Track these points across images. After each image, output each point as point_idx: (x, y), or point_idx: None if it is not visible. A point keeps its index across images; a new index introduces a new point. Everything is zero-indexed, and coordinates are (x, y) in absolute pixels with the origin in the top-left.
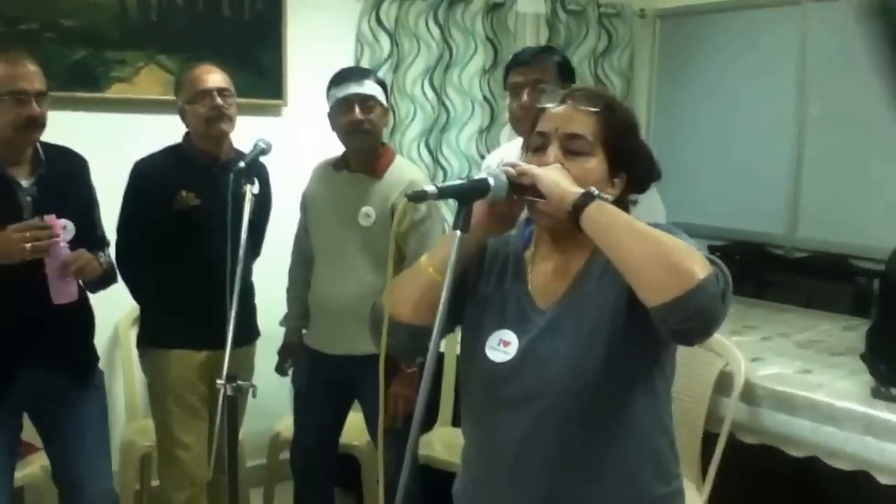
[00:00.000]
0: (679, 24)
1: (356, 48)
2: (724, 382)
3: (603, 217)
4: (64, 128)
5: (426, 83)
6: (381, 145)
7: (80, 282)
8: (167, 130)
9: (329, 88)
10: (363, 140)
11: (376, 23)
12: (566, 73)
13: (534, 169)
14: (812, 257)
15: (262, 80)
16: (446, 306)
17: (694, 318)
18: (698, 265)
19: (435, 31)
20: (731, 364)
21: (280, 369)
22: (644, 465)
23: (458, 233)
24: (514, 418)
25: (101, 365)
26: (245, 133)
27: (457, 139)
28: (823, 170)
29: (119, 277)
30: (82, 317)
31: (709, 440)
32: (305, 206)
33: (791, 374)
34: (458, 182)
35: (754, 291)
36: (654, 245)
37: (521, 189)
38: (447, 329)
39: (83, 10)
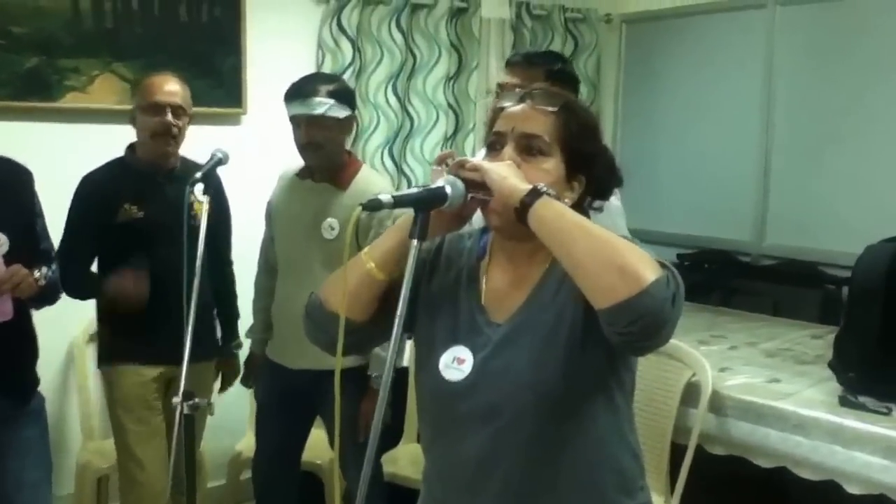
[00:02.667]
0: (645, 29)
1: (317, 54)
2: (691, 393)
3: (550, 213)
4: (16, 138)
5: (389, 90)
6: (345, 155)
7: (22, 299)
8: (124, 141)
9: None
10: (314, 158)
11: (338, 28)
12: (564, 80)
13: (483, 164)
14: (780, 264)
15: (221, 87)
16: (402, 318)
17: (640, 323)
18: (647, 268)
19: (398, 37)
20: (698, 374)
21: (245, 381)
22: (607, 479)
23: (415, 242)
24: (472, 436)
25: (55, 384)
26: (203, 142)
27: (421, 147)
28: (791, 176)
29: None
30: (18, 337)
31: (677, 451)
32: (270, 214)
33: (759, 384)
34: (416, 190)
35: (722, 299)
36: (603, 245)
37: (472, 186)
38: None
39: (34, 16)
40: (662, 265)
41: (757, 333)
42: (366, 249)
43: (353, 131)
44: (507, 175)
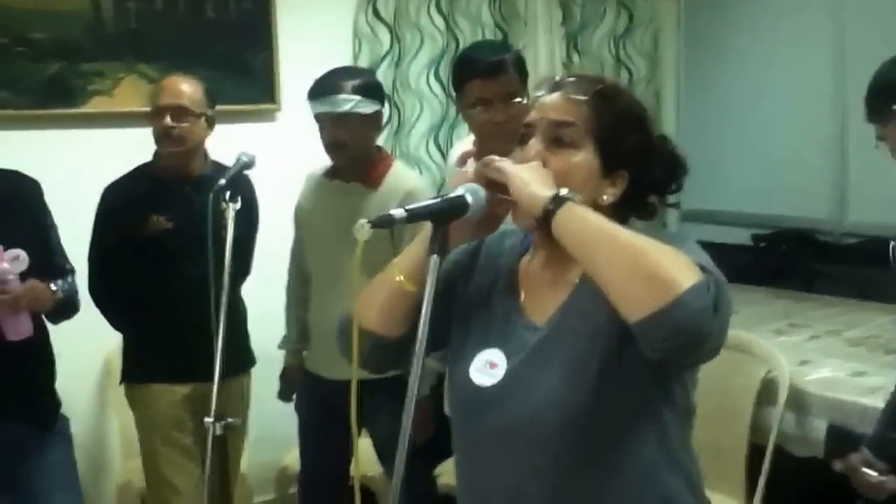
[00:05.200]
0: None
1: (354, 44)
2: (768, 391)
3: (574, 222)
4: (40, 147)
5: (432, 77)
6: (375, 151)
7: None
8: (152, 144)
9: None
10: (341, 157)
11: (374, 16)
12: (523, 72)
13: (506, 167)
14: (864, 243)
15: (253, 83)
16: (425, 334)
17: (678, 336)
18: (682, 273)
19: (438, 21)
20: (774, 370)
21: (283, 395)
22: None
23: (435, 258)
24: (498, 455)
25: (91, 401)
26: (237, 142)
27: (468, 135)
28: (872, 146)
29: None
30: (36, 358)
31: (756, 454)
32: (298, 218)
33: (843, 378)
34: (432, 201)
35: (800, 284)
36: (629, 252)
37: (498, 187)
38: (429, 350)
39: (54, 21)
40: (702, 268)
41: (840, 321)
42: (394, 261)
43: (382, 127)
44: (529, 181)
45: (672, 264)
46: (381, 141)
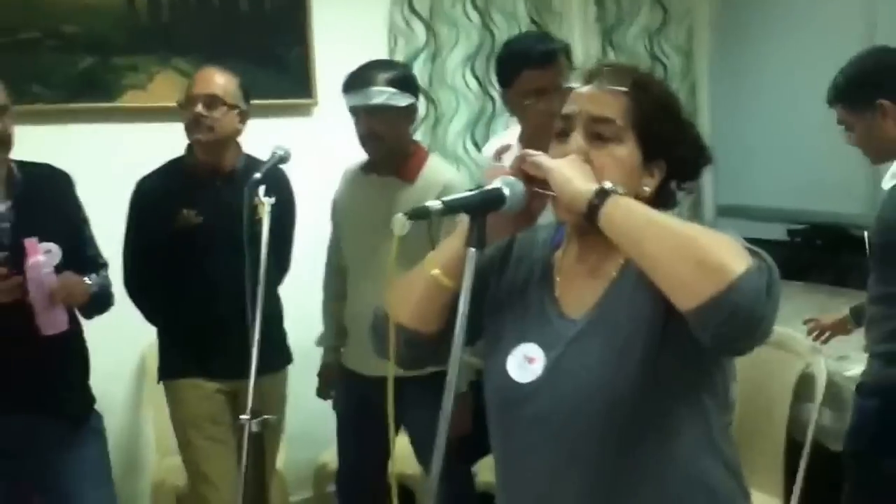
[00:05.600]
0: None
1: (389, 39)
2: (805, 385)
3: (619, 215)
4: (74, 141)
5: (468, 72)
6: (410, 145)
7: (76, 309)
8: (185, 139)
9: None
10: (376, 150)
11: (409, 10)
12: (571, 63)
13: (545, 162)
14: None
15: (288, 77)
16: (464, 328)
17: (733, 321)
18: (734, 258)
19: (474, 15)
20: (812, 364)
21: (321, 393)
22: (696, 499)
23: (472, 250)
24: (543, 447)
25: (127, 398)
26: (272, 137)
27: (505, 130)
28: None
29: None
30: (70, 353)
31: (793, 449)
32: (335, 214)
33: None
34: (469, 193)
35: (836, 278)
36: (680, 239)
37: (537, 182)
38: (464, 345)
39: (87, 14)
40: (752, 252)
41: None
42: (430, 255)
43: (417, 120)
44: (571, 176)
45: (724, 249)
46: (417, 136)
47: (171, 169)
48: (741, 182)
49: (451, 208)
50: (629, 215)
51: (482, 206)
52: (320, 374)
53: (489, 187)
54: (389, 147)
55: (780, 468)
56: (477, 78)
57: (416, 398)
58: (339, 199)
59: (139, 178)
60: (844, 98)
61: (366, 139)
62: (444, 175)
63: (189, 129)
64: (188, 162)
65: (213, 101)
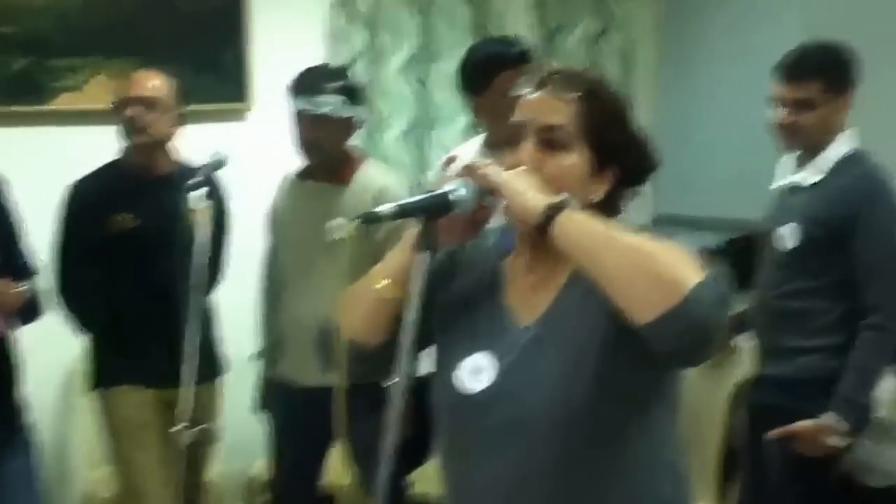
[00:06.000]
0: (681, 0)
1: (328, 43)
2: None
3: (574, 229)
4: (5, 145)
5: (407, 78)
6: (347, 150)
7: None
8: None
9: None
10: (315, 157)
11: (348, 14)
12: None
13: (495, 175)
14: None
15: (225, 81)
16: (412, 336)
17: (690, 334)
18: (688, 271)
19: (415, 20)
20: (750, 374)
21: (258, 405)
22: None
23: (423, 255)
24: (492, 458)
25: (54, 408)
26: (206, 142)
27: (444, 137)
28: None
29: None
30: (1, 362)
31: (732, 459)
32: (272, 221)
33: None
34: (420, 197)
35: None
36: (634, 255)
37: (489, 192)
38: (413, 354)
39: (23, 14)
40: (704, 263)
41: None
42: (377, 266)
43: (359, 129)
44: (522, 189)
45: (677, 262)
46: (354, 142)
47: (107, 172)
48: (681, 191)
49: (404, 212)
50: (582, 230)
51: (433, 209)
52: (258, 387)
53: (440, 190)
54: (328, 155)
55: (716, 476)
56: (416, 84)
57: (354, 409)
58: (276, 206)
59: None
60: (828, 74)
61: (306, 146)
62: (379, 179)
63: (124, 132)
64: (124, 165)
65: (147, 103)
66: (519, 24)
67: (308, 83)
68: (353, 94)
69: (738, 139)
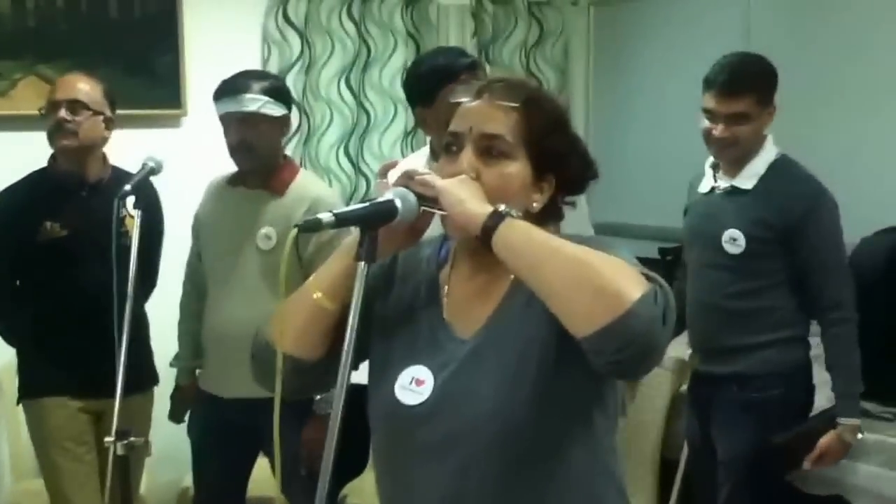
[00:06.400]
0: (615, 11)
1: (263, 49)
2: (680, 404)
3: (515, 239)
4: None
5: (342, 84)
6: (280, 158)
7: None
8: (50, 150)
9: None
10: (247, 160)
11: (284, 20)
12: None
13: (436, 182)
14: None
15: (158, 87)
16: (351, 346)
17: (631, 348)
18: (630, 284)
19: (350, 27)
20: (686, 383)
21: (174, 416)
22: None
23: (362, 265)
24: (431, 472)
25: None
26: (140, 148)
27: (379, 144)
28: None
29: None
30: None
31: (668, 466)
32: (198, 227)
33: None
34: (360, 206)
35: None
36: (576, 266)
37: (426, 201)
38: (351, 366)
39: None
40: (648, 277)
41: None
42: (311, 278)
43: (289, 132)
44: (463, 198)
45: (619, 275)
46: (289, 150)
47: (35, 179)
48: (613, 200)
49: (343, 220)
50: (524, 239)
51: (374, 218)
52: (174, 397)
53: (381, 199)
54: (260, 158)
55: (653, 487)
56: (352, 90)
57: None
58: (202, 212)
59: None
60: (760, 87)
61: (236, 148)
62: (314, 190)
63: (52, 136)
64: (52, 172)
65: (76, 106)
66: (454, 33)
67: (232, 86)
68: (278, 94)
69: (668, 148)
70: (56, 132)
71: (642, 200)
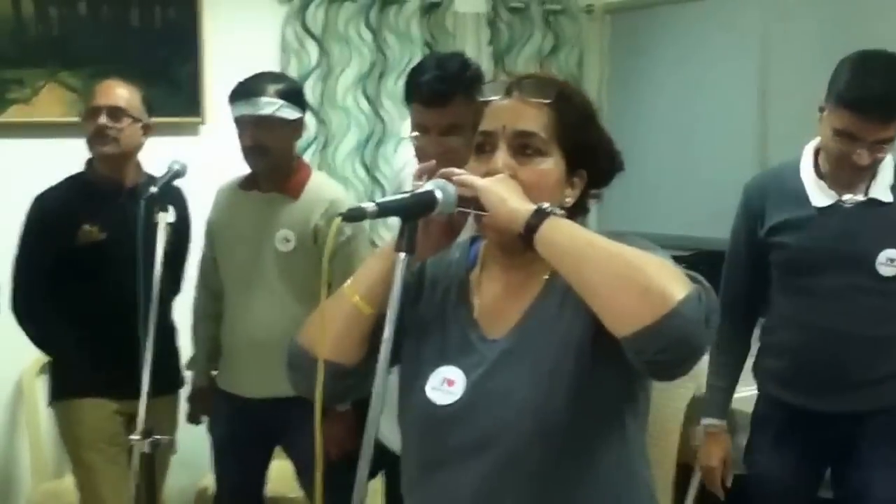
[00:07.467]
0: (630, 20)
1: (281, 57)
2: (697, 409)
3: (559, 237)
4: None
5: (359, 93)
6: (294, 160)
7: None
8: (72, 155)
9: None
10: (260, 163)
11: (302, 29)
12: (477, 94)
13: (476, 181)
14: None
15: (178, 94)
16: (390, 344)
17: (673, 348)
18: (675, 284)
19: (367, 35)
20: (703, 388)
21: (192, 418)
22: None
23: (403, 255)
24: (465, 472)
25: (2, 421)
26: (160, 155)
27: (395, 152)
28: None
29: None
30: None
31: (685, 473)
32: (211, 233)
33: None
34: (401, 196)
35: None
36: (621, 264)
37: (463, 201)
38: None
39: None
40: (693, 279)
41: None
42: (348, 282)
43: (302, 135)
44: (506, 196)
45: (664, 275)
46: (307, 157)
47: (73, 183)
48: (627, 209)
49: (385, 210)
50: (568, 237)
51: (415, 208)
52: (190, 398)
53: (421, 190)
54: (274, 161)
55: (670, 494)
56: (368, 99)
57: (298, 420)
58: (216, 218)
59: (22, 195)
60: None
61: (250, 151)
62: (329, 191)
63: (92, 142)
64: (90, 177)
65: (117, 112)
66: (471, 41)
67: (247, 88)
68: (293, 97)
69: (684, 157)
70: (96, 139)
71: (655, 209)
